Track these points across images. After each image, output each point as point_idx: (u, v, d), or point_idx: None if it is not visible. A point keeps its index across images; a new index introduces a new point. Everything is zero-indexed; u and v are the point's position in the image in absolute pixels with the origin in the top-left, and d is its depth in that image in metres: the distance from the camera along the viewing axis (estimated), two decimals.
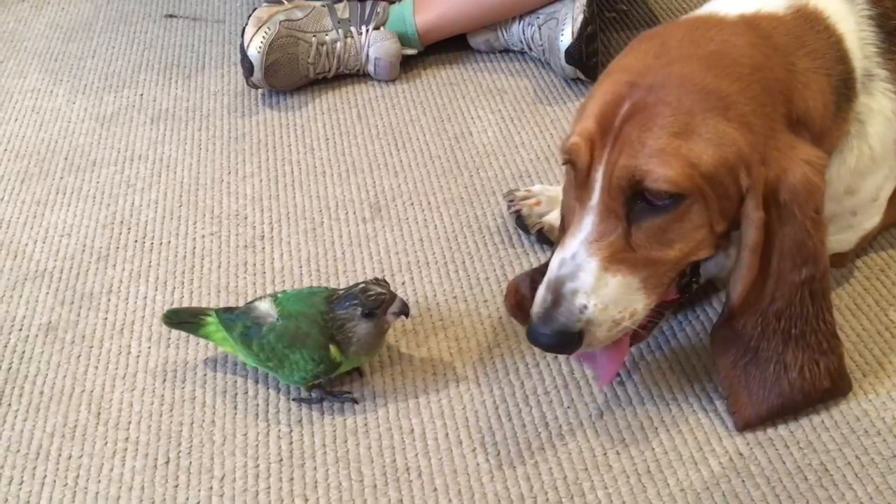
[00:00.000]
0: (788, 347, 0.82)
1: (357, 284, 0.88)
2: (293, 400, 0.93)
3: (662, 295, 0.83)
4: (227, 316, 0.92)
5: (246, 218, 1.18)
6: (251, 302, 0.93)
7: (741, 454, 0.85)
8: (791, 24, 0.85)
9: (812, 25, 0.85)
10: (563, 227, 0.92)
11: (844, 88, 0.86)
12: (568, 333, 0.79)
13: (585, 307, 0.79)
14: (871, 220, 0.96)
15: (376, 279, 0.88)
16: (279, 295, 0.92)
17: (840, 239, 0.97)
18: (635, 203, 0.78)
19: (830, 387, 0.85)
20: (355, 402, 0.92)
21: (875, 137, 0.89)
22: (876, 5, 0.88)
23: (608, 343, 0.83)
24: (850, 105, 0.86)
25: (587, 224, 0.80)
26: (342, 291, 0.88)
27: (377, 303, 0.85)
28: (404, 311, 0.88)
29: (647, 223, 0.79)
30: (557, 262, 0.81)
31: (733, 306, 0.83)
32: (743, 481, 0.83)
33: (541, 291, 0.81)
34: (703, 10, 0.90)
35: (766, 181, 0.78)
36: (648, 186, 0.77)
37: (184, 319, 0.95)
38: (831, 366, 0.84)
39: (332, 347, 0.87)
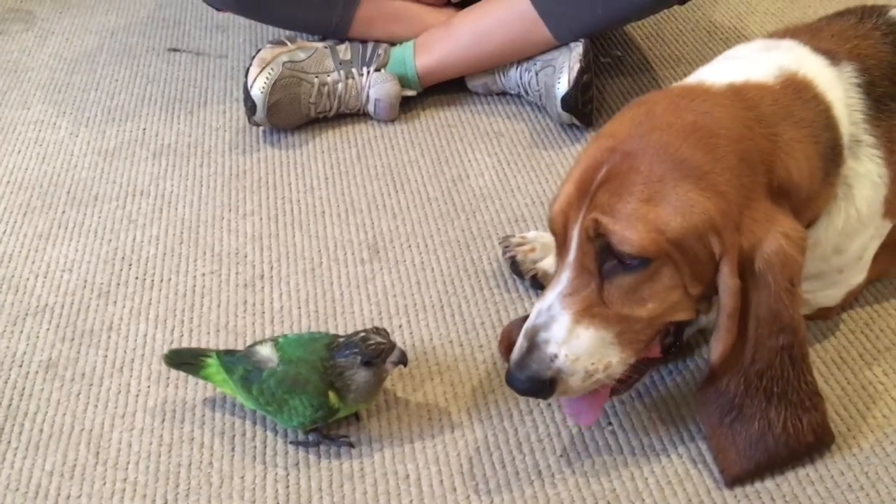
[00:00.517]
0: (771, 405, 0.85)
1: (357, 333, 0.90)
2: (290, 443, 0.94)
3: (640, 352, 0.86)
4: (229, 359, 0.94)
5: (246, 256, 1.20)
6: (252, 345, 0.95)
7: None
8: (779, 94, 0.87)
9: (800, 94, 0.88)
10: None
11: (832, 154, 0.88)
12: (539, 381, 0.83)
13: (556, 356, 0.83)
14: (857, 277, 0.99)
15: (376, 328, 0.90)
16: (280, 339, 0.94)
17: (827, 294, 1.00)
18: (606, 260, 0.82)
19: (814, 441, 0.87)
20: (352, 445, 0.94)
21: (862, 200, 0.92)
22: (863, 73, 0.91)
23: (584, 393, 0.86)
24: (837, 170, 0.89)
25: (563, 279, 0.84)
26: (343, 339, 0.90)
27: (377, 352, 0.87)
28: (403, 360, 0.90)
29: (619, 280, 0.82)
30: (535, 313, 0.85)
31: (713, 367, 0.86)
32: None
33: (519, 339, 0.85)
34: (693, 78, 0.93)
35: (742, 249, 0.81)
36: (615, 248, 0.80)
37: (185, 360, 0.97)
38: (814, 421, 0.87)
39: (330, 394, 0.89)
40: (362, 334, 0.89)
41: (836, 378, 0.99)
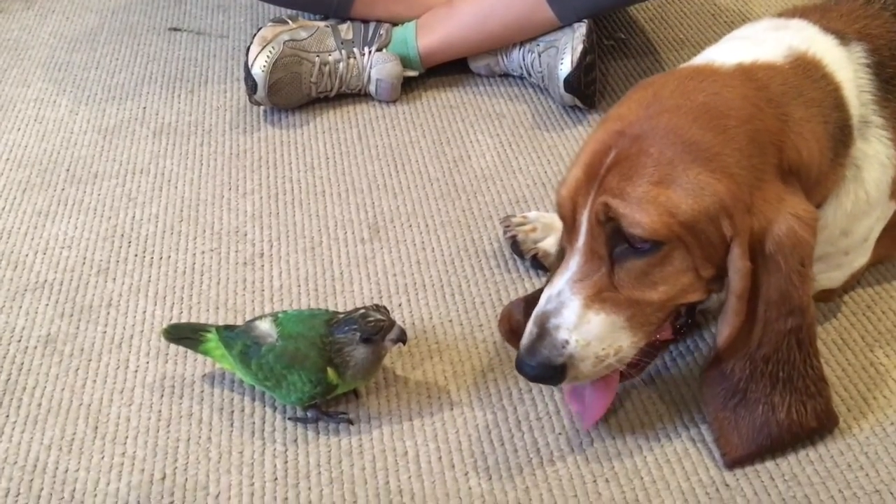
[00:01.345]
0: (776, 390, 0.85)
1: (357, 310, 0.89)
2: (289, 419, 0.94)
3: (652, 334, 0.85)
4: (228, 334, 0.93)
5: (246, 235, 1.20)
6: (252, 321, 0.94)
7: (727, 485, 0.87)
8: (788, 74, 0.87)
9: (809, 74, 0.87)
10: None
11: (841, 135, 0.88)
12: (551, 366, 0.83)
13: (567, 342, 0.82)
14: (861, 258, 0.99)
15: (376, 305, 0.90)
16: (280, 315, 0.93)
17: (830, 277, 0.99)
18: (617, 244, 0.81)
19: (817, 426, 0.87)
20: (350, 422, 0.93)
21: (871, 182, 0.91)
22: (873, 54, 0.91)
23: (595, 378, 0.85)
24: (846, 150, 0.89)
25: (573, 264, 0.83)
26: (342, 315, 0.90)
27: (376, 329, 0.87)
28: (402, 338, 0.89)
29: (630, 265, 0.82)
30: (545, 299, 0.84)
31: (719, 349, 0.86)
32: None
33: (529, 325, 0.85)
34: (701, 59, 0.92)
35: (752, 231, 0.80)
36: (626, 231, 0.80)
37: (184, 335, 0.97)
38: (818, 407, 0.86)
39: (329, 370, 0.89)
40: (362, 311, 0.89)
41: (837, 360, 0.99)
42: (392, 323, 0.88)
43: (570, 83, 1.33)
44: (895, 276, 1.08)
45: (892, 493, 0.85)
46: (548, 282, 0.88)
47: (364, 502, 0.87)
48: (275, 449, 0.92)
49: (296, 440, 0.93)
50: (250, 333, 0.92)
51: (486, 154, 1.32)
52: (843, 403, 0.94)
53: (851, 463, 0.88)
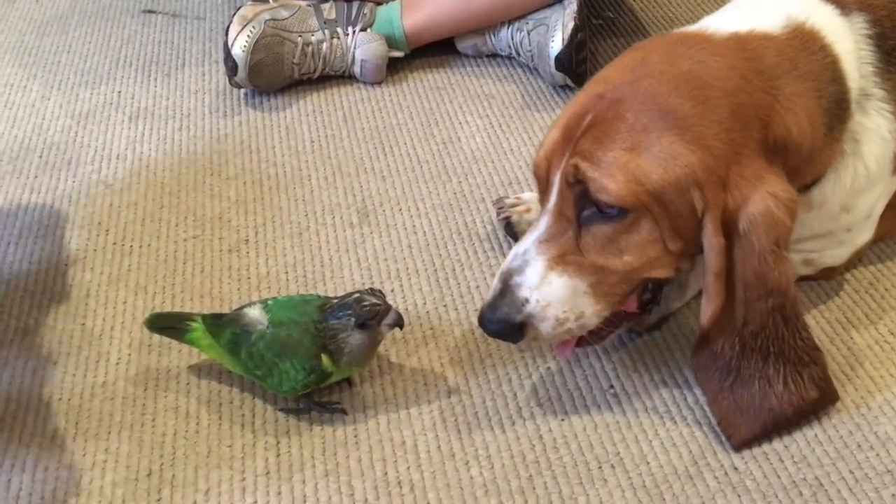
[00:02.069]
0: (769, 363, 0.83)
1: (351, 294, 0.86)
2: (280, 410, 0.90)
3: (615, 305, 0.84)
4: (215, 322, 0.89)
5: (230, 221, 1.16)
6: (240, 308, 0.90)
7: (736, 469, 0.84)
8: (784, 45, 0.84)
9: (807, 45, 0.85)
10: None
11: (837, 109, 0.85)
12: (510, 323, 0.82)
13: (527, 301, 0.82)
14: (864, 235, 0.97)
15: (371, 289, 0.86)
16: (270, 302, 0.89)
17: (834, 254, 0.97)
18: (585, 207, 0.80)
19: (818, 396, 0.85)
20: (344, 412, 0.90)
21: (871, 157, 0.89)
22: (874, 25, 0.88)
23: (555, 341, 0.85)
24: (843, 125, 0.86)
25: (541, 224, 0.83)
26: (336, 300, 0.86)
27: (371, 314, 0.83)
28: (399, 323, 0.86)
29: (596, 229, 0.81)
30: (511, 256, 0.84)
31: (704, 329, 0.84)
32: (739, 496, 0.82)
33: (494, 281, 0.85)
34: (698, 25, 0.89)
35: (726, 207, 0.78)
36: (593, 195, 0.79)
37: (168, 324, 0.92)
38: (815, 375, 0.84)
39: (323, 357, 0.85)
40: (356, 296, 0.85)
41: (842, 338, 0.97)
42: (388, 307, 0.85)
43: (561, 61, 1.29)
44: (894, 252, 1.07)
45: None
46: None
47: (361, 495, 0.83)
48: (266, 441, 0.88)
49: (288, 432, 0.89)
50: (239, 321, 0.88)
51: (475, 136, 1.29)
52: (850, 382, 0.92)
53: (861, 443, 0.86)
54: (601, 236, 0.80)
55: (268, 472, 0.85)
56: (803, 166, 0.85)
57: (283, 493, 0.84)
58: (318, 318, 0.85)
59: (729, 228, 0.79)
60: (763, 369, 0.83)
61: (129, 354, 0.98)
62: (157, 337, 0.98)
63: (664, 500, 0.82)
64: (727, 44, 0.83)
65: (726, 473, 0.84)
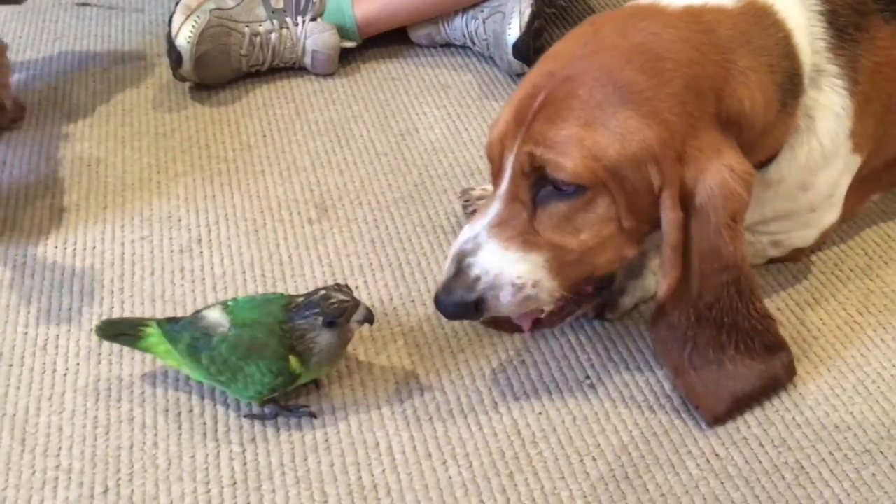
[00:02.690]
0: (722, 332, 0.82)
1: (317, 291, 0.81)
2: (245, 417, 0.86)
3: (570, 288, 0.82)
4: (172, 327, 0.84)
5: (179, 220, 1.10)
6: (199, 311, 0.85)
7: (718, 455, 0.83)
8: (738, 19, 0.83)
9: (760, 20, 0.84)
10: None
11: (790, 84, 0.85)
12: (464, 304, 0.80)
13: (479, 278, 0.80)
14: (830, 215, 0.96)
15: (338, 285, 0.82)
16: (230, 303, 0.84)
17: (801, 235, 0.97)
18: (542, 187, 0.79)
19: (770, 356, 0.84)
20: (313, 416, 0.85)
21: (825, 133, 0.88)
22: (826, 2, 0.87)
23: (518, 312, 0.83)
24: (796, 101, 0.86)
25: (494, 208, 0.81)
26: (301, 299, 0.82)
27: (339, 311, 0.79)
28: (368, 318, 0.82)
29: (553, 207, 0.79)
30: (463, 238, 0.82)
31: (661, 301, 0.83)
32: (722, 483, 0.81)
33: (447, 263, 0.83)
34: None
35: (683, 181, 0.77)
36: (549, 175, 0.77)
37: (120, 331, 0.87)
38: (766, 340, 0.84)
39: (291, 358, 0.80)
40: (322, 293, 0.81)
41: (811, 320, 0.96)
42: (357, 303, 0.81)
43: (518, 49, 1.27)
44: (858, 233, 1.07)
45: (882, 453, 0.83)
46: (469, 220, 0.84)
47: (336, 501, 0.79)
48: (231, 450, 0.83)
49: (254, 439, 0.84)
50: (198, 324, 0.83)
51: (434, 126, 1.25)
52: (822, 364, 0.91)
53: (839, 424, 0.86)
54: (557, 214, 0.79)
55: (234, 483, 0.81)
56: (757, 141, 0.84)
57: (253, 503, 0.79)
58: (283, 318, 0.81)
59: (686, 202, 0.78)
60: (717, 337, 0.82)
61: (78, 364, 0.91)
62: (107, 345, 0.92)
63: (647, 490, 0.80)
64: (681, 16, 0.82)
65: (708, 460, 0.83)
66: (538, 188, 0.79)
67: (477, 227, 0.81)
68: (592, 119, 0.76)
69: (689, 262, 0.80)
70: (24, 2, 1.29)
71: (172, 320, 0.85)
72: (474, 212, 1.04)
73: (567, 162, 0.76)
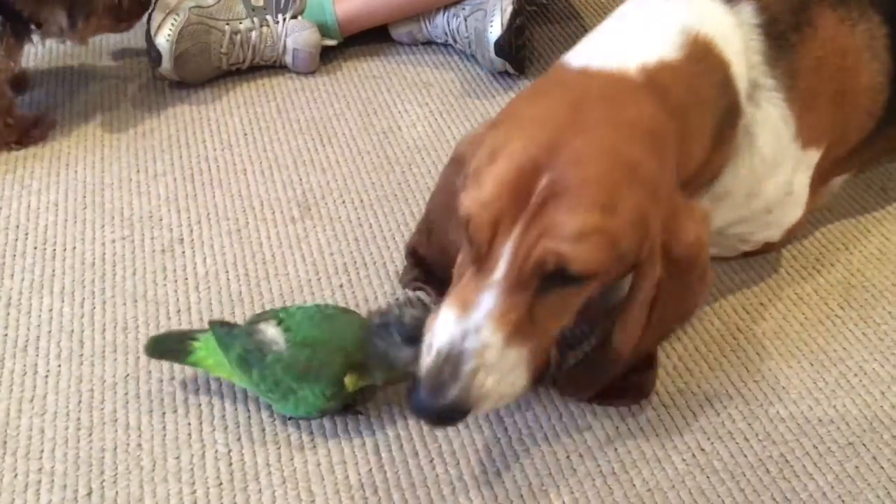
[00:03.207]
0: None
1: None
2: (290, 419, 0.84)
3: (535, 371, 0.76)
4: (225, 333, 0.81)
5: (161, 220, 1.09)
6: (255, 323, 0.82)
7: (703, 450, 0.84)
8: (685, 73, 0.80)
9: (703, 66, 0.81)
10: (454, 281, 0.81)
11: (729, 116, 0.84)
12: (460, 410, 0.71)
13: (483, 384, 0.72)
14: (793, 213, 0.95)
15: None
16: (282, 314, 0.82)
17: (766, 234, 0.96)
18: (550, 277, 0.71)
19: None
20: (360, 413, 0.85)
21: (766, 146, 0.87)
22: (763, 11, 0.86)
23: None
24: (734, 128, 0.85)
25: (489, 297, 0.71)
26: (377, 319, 0.79)
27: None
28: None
29: (555, 297, 0.73)
30: (460, 333, 0.71)
31: (620, 356, 0.79)
32: (708, 477, 0.81)
33: (435, 359, 0.71)
34: (589, 49, 0.83)
35: (663, 242, 0.75)
36: (572, 271, 0.70)
37: (168, 347, 0.85)
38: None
39: (347, 378, 0.79)
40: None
41: (794, 315, 0.97)
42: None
43: (500, 46, 1.27)
44: (839, 229, 1.09)
45: (864, 445, 0.84)
46: (447, 299, 0.75)
47: (322, 501, 0.79)
48: (216, 451, 0.83)
49: (239, 439, 0.84)
50: (253, 337, 0.80)
51: (416, 124, 1.25)
52: (805, 359, 0.92)
53: (822, 417, 0.87)
54: (558, 303, 0.73)
55: (220, 484, 0.80)
56: (699, 174, 0.83)
57: (239, 503, 0.79)
58: (357, 338, 0.79)
59: (661, 259, 0.76)
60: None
61: (59, 366, 0.90)
62: (88, 346, 0.91)
63: (634, 485, 0.81)
64: (645, 84, 0.78)
65: (694, 455, 0.83)
66: (547, 278, 0.71)
67: (476, 319, 0.71)
68: (610, 205, 0.70)
69: (649, 318, 0.78)
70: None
71: (226, 325, 0.83)
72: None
73: (591, 256, 0.69)
